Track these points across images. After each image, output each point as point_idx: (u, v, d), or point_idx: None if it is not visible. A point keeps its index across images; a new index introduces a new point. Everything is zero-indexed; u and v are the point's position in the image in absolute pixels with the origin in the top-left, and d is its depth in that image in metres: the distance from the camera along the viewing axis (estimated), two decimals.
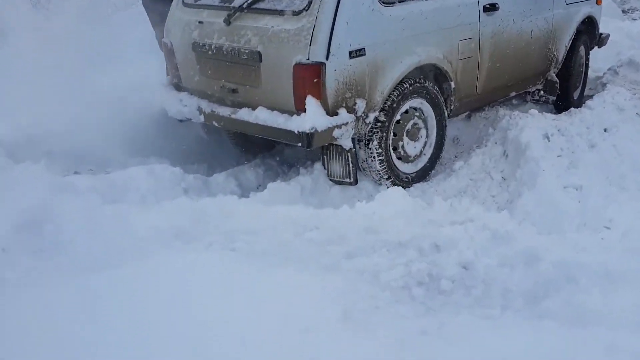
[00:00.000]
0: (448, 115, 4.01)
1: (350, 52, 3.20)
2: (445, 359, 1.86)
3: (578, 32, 5.14)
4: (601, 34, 5.65)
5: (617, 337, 1.89)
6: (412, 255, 2.46)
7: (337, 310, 2.01)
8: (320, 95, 3.18)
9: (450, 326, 2.04)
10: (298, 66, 3.17)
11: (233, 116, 3.53)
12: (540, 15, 4.51)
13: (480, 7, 3.92)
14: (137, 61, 4.61)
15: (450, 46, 3.76)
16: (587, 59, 5.49)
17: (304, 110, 3.19)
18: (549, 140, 3.73)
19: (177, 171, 3.64)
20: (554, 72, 4.95)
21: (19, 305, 2.02)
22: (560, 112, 4.46)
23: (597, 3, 5.36)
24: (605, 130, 3.83)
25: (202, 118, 3.74)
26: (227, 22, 3.48)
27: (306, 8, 3.17)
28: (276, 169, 4.20)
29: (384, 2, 3.34)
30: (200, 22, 3.69)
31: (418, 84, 3.61)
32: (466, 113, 4.50)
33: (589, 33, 5.38)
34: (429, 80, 3.74)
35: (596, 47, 5.68)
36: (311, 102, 3.18)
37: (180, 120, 3.96)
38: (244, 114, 3.48)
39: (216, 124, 3.70)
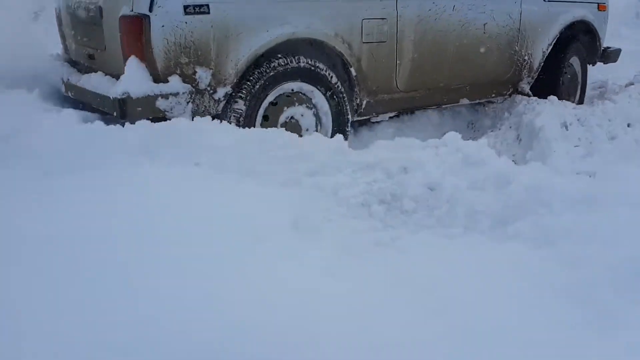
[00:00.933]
0: (357, 111, 3.37)
1: (186, 7, 2.67)
2: (396, 265, 1.76)
3: (568, 39, 4.35)
4: (608, 47, 4.79)
5: (585, 250, 1.75)
6: (378, 176, 2.35)
7: (287, 219, 1.94)
8: (144, 55, 2.66)
9: (406, 240, 1.97)
10: (122, 19, 2.69)
11: (78, 84, 3.09)
12: (498, 7, 3.78)
13: None
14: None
15: (349, 23, 3.14)
16: (584, 75, 4.64)
17: (124, 72, 2.69)
18: (567, 129, 3.46)
19: None
20: (527, 83, 4.16)
21: None
22: None
23: (598, 9, 4.53)
24: (628, 125, 3.53)
25: (63, 89, 3.32)
26: None
27: None
28: None
29: None
30: None
31: (299, 63, 3.02)
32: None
33: (586, 43, 4.56)
34: (326, 62, 3.14)
35: (601, 63, 4.83)
36: (132, 64, 2.67)
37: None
38: (84, 81, 3.04)
39: (70, 94, 3.26)
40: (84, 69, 3.29)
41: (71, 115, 2.79)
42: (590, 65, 4.67)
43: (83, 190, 1.97)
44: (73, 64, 3.56)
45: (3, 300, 1.40)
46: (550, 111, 3.61)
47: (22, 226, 1.72)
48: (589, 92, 4.83)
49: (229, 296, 1.48)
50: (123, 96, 2.61)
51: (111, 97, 2.66)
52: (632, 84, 4.61)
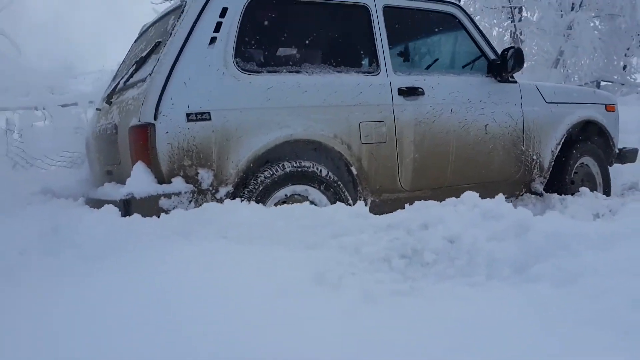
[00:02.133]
0: None
1: (189, 115, 2.95)
2: (416, 311, 1.80)
3: (579, 140, 4.44)
4: (624, 147, 4.83)
5: (608, 283, 1.78)
6: (399, 234, 2.42)
7: (310, 275, 2.02)
8: (149, 159, 2.91)
9: (426, 290, 2.00)
10: (130, 129, 2.99)
11: (94, 196, 3.36)
12: (498, 108, 3.94)
13: (393, 89, 3.52)
14: None
15: (347, 126, 3.35)
16: (606, 175, 4.64)
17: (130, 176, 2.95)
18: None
19: None
20: (540, 183, 4.20)
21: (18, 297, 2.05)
22: None
23: (606, 109, 4.64)
24: None
25: (84, 203, 3.59)
26: (109, 102, 3.48)
27: (150, 73, 3.06)
28: None
29: (244, 69, 3.11)
30: (98, 110, 3.74)
31: (300, 166, 3.18)
32: None
33: (598, 143, 4.62)
34: (326, 161, 3.33)
35: (618, 164, 4.83)
36: (138, 167, 2.89)
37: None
38: (99, 193, 3.31)
39: (90, 207, 3.51)
40: (99, 185, 3.57)
41: (111, 210, 2.96)
42: (607, 165, 4.68)
43: (123, 269, 2.13)
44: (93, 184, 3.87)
45: None
46: (580, 203, 3.79)
47: (66, 307, 1.85)
48: (617, 193, 4.79)
49: (252, 346, 1.56)
50: (127, 197, 2.81)
51: (118, 200, 2.89)
52: None
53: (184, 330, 1.62)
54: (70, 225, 2.64)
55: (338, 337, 1.61)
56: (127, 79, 3.35)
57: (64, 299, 1.90)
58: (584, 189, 4.01)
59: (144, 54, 3.29)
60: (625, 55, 14.98)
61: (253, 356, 1.50)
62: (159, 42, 3.19)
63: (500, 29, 15.19)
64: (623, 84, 14.52)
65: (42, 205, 3.59)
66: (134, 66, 3.32)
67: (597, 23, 14.85)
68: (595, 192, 4.26)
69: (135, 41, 4.04)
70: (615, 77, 14.88)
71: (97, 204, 3.23)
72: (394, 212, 2.64)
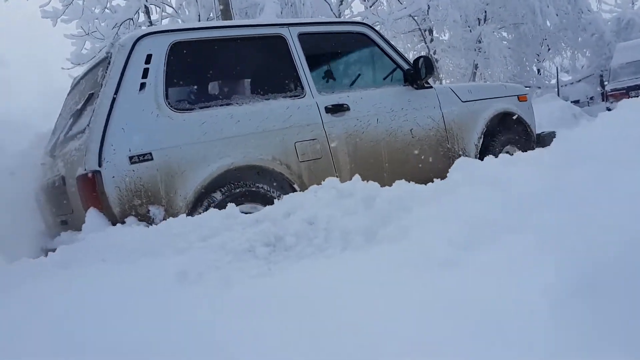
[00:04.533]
0: None
1: (131, 158, 3.11)
2: (266, 287, 1.96)
3: (499, 130, 4.79)
4: (542, 132, 5.22)
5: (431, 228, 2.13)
6: (265, 226, 2.53)
7: (173, 274, 2.12)
8: (100, 204, 3.04)
9: (285, 270, 2.16)
10: (78, 178, 3.12)
11: (50, 246, 3.44)
12: (420, 113, 4.25)
13: (320, 108, 3.78)
14: None
15: (283, 147, 3.57)
16: None
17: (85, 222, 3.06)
18: None
19: None
20: None
21: None
22: None
23: (519, 99, 5.04)
24: None
25: (43, 255, 3.68)
26: (52, 155, 3.59)
27: (88, 124, 3.21)
28: None
29: (176, 108, 3.30)
30: (43, 164, 3.83)
31: (247, 188, 3.40)
32: None
33: (517, 131, 4.99)
34: (270, 182, 3.52)
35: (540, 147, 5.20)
36: (91, 213, 3.02)
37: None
38: (55, 242, 3.39)
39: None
40: (54, 237, 3.65)
41: None
42: (530, 150, 5.04)
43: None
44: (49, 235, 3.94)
45: None
46: None
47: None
48: None
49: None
50: None
51: None
52: None
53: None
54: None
55: (198, 323, 1.72)
56: (67, 132, 3.47)
57: None
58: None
59: (78, 107, 3.43)
60: (537, 60, 15.98)
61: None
62: (92, 94, 3.34)
63: (415, 52, 15.95)
64: (540, 87, 15.44)
65: None
66: (71, 119, 3.44)
67: (505, 34, 15.83)
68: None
69: (68, 94, 4.16)
70: (532, 81, 15.81)
71: None
72: (263, 209, 2.80)
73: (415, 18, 15.28)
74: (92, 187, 3.03)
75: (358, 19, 12.25)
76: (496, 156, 4.65)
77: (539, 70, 16.23)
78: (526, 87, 15.99)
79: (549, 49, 16.01)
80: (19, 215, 4.73)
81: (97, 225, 3.00)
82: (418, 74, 4.19)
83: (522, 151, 4.89)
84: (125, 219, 3.06)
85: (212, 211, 2.80)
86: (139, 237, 2.67)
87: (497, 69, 14.88)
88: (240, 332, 1.66)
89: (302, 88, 3.77)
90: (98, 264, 2.48)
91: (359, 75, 4.28)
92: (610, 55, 14.87)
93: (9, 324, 1.90)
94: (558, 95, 14.49)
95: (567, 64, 16.67)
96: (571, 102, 14.41)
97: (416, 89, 4.28)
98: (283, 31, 3.80)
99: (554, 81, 15.60)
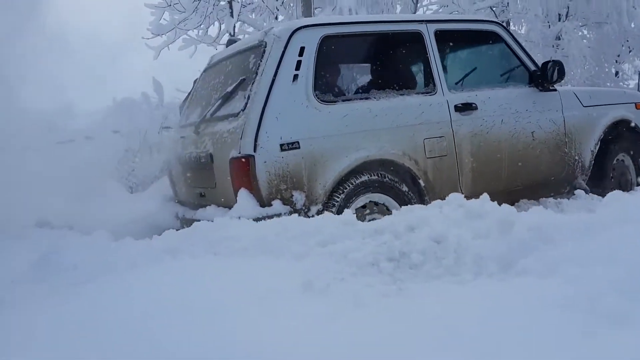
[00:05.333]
0: None
1: (282, 145, 3.28)
2: (403, 311, 1.84)
3: (615, 139, 4.74)
4: None
5: (586, 270, 1.86)
6: (387, 238, 2.45)
7: (299, 282, 2.05)
8: (251, 186, 3.24)
9: (415, 291, 2.03)
10: (232, 160, 3.31)
11: (193, 217, 3.67)
12: (542, 116, 4.26)
13: (450, 107, 3.84)
14: None
15: (413, 143, 3.67)
16: (638, 168, 4.94)
17: (236, 202, 3.24)
18: None
19: None
20: (583, 180, 4.50)
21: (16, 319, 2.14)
22: None
23: (636, 107, 4.96)
24: None
25: (178, 224, 3.91)
26: (197, 132, 3.80)
27: (243, 109, 3.38)
28: None
29: (323, 100, 3.45)
30: (182, 137, 4.05)
31: (375, 178, 3.52)
32: None
33: (631, 139, 4.92)
34: (396, 175, 3.62)
35: None
36: (242, 194, 3.24)
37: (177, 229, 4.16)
38: (199, 214, 3.62)
39: (186, 227, 3.83)
40: (193, 206, 3.87)
41: (102, 235, 3.20)
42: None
43: (108, 289, 2.23)
44: (181, 203, 4.18)
45: None
46: (575, 206, 3.95)
47: (48, 329, 1.94)
48: None
49: (240, 348, 1.62)
50: None
51: None
52: None
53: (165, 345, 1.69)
54: (59, 252, 2.78)
55: (331, 339, 1.64)
56: (214, 112, 3.65)
57: (47, 321, 1.98)
58: (579, 192, 4.21)
59: (228, 89, 3.58)
60: (617, 62, 15.43)
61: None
62: (244, 79, 3.49)
63: None
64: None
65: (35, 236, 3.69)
66: (220, 100, 3.61)
67: (585, 32, 15.32)
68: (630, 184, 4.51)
69: (204, 71, 4.35)
70: (608, 84, 15.28)
71: None
72: (381, 219, 2.73)
73: (494, 9, 14.93)
74: (245, 170, 3.21)
75: (434, 9, 12.12)
76: (611, 163, 4.64)
77: (617, 73, 15.67)
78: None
79: (630, 51, 15.41)
80: (157, 181, 5.03)
81: (248, 206, 3.18)
82: (546, 76, 4.19)
83: (633, 160, 4.83)
84: (272, 202, 3.23)
85: (329, 216, 2.84)
86: (252, 233, 2.68)
87: (575, 68, 14.42)
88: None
89: (434, 85, 3.84)
90: (209, 256, 2.52)
91: (487, 73, 4.31)
92: None
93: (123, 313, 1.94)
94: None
95: None
96: None
97: (541, 91, 4.27)
98: (421, 28, 3.87)
99: (632, 84, 15.07)
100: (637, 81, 14.83)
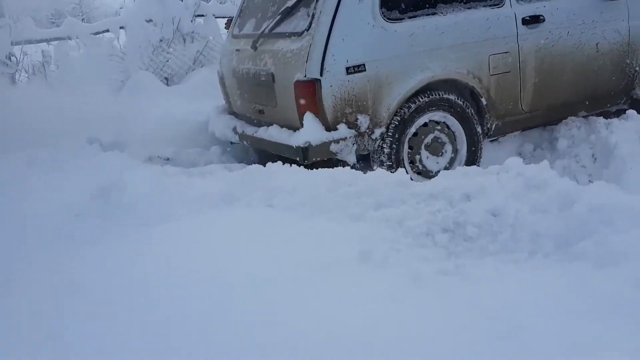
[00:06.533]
0: (487, 133, 3.79)
1: (348, 68, 3.24)
2: (461, 294, 1.82)
3: None
4: None
5: None
6: (441, 205, 2.42)
7: (355, 251, 2.06)
8: (317, 110, 3.25)
9: (471, 268, 2.02)
10: (297, 83, 3.29)
11: (255, 135, 3.74)
12: (608, 26, 4.07)
13: (517, 20, 3.69)
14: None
15: (478, 61, 3.58)
16: None
17: (303, 126, 3.28)
18: None
19: None
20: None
21: (82, 259, 2.30)
22: None
23: None
24: None
25: (236, 138, 4.00)
26: (254, 47, 3.74)
27: (307, 28, 3.30)
28: None
29: (388, 18, 3.33)
30: (237, 50, 4.00)
31: (438, 97, 3.50)
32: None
33: None
34: (458, 93, 3.59)
35: None
36: (308, 118, 3.27)
37: (231, 143, 4.26)
38: (262, 132, 3.67)
39: (245, 143, 3.94)
40: (251, 122, 3.93)
41: (154, 169, 3.30)
42: None
43: (173, 238, 2.34)
44: (235, 115, 4.24)
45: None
46: (627, 127, 3.74)
47: (123, 272, 2.07)
48: None
49: (294, 322, 1.67)
50: (305, 145, 3.21)
51: (294, 146, 3.25)
52: None
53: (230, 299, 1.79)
54: (119, 186, 2.84)
55: (389, 319, 1.66)
56: (272, 28, 3.57)
57: (121, 266, 2.13)
58: (631, 112, 4.01)
59: (288, 5, 3.48)
60: None
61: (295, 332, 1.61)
62: None
63: None
64: None
65: (93, 159, 3.69)
66: (279, 16, 3.52)
67: None
68: None
69: None
70: None
71: (260, 143, 3.66)
72: (436, 180, 2.66)
73: None
74: (311, 93, 3.22)
75: None
76: None
77: None
78: None
79: None
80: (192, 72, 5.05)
81: (315, 130, 3.24)
82: None
83: None
84: (337, 126, 3.27)
85: (383, 174, 2.79)
86: (305, 185, 2.69)
87: None
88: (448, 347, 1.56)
89: None
90: (265, 209, 2.57)
91: None
92: None
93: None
94: None
95: None
96: None
97: None
98: None
99: None
100: None
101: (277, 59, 3.48)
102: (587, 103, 4.19)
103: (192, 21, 6.87)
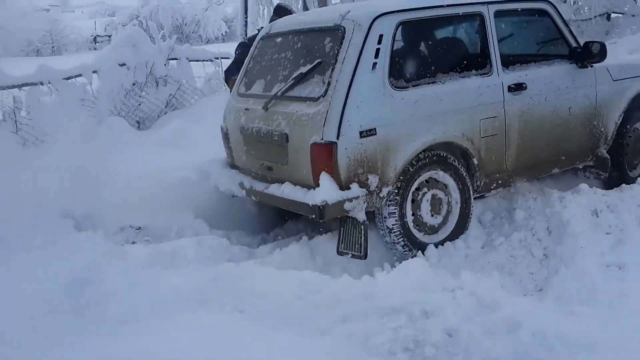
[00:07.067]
0: (477, 189, 4.12)
1: (361, 132, 3.50)
2: None
3: (635, 109, 5.05)
4: None
5: None
6: (402, 321, 2.62)
7: None
8: (332, 171, 3.49)
9: None
10: (314, 145, 3.52)
11: (266, 191, 3.92)
12: (579, 92, 4.53)
13: (504, 88, 4.07)
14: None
15: (471, 124, 3.93)
16: None
17: (319, 185, 3.50)
18: (597, 217, 3.75)
19: (224, 242, 4.02)
20: (605, 149, 4.86)
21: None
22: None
23: None
24: None
25: (243, 193, 4.17)
26: (265, 108, 3.95)
27: (323, 95, 3.55)
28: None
29: (396, 87, 3.64)
30: (246, 109, 4.19)
31: (436, 157, 3.82)
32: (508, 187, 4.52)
33: None
34: (453, 154, 3.91)
35: None
36: (324, 178, 3.49)
37: (233, 196, 4.41)
38: (273, 189, 3.87)
39: (254, 198, 4.12)
40: (258, 177, 4.11)
41: (134, 258, 3.41)
42: None
43: (145, 339, 2.46)
44: (236, 168, 4.41)
45: None
46: (579, 201, 3.91)
47: None
48: None
49: None
50: (322, 204, 3.43)
51: (311, 204, 3.47)
52: None
53: None
54: (93, 280, 2.93)
55: None
56: (285, 90, 3.80)
57: None
58: (583, 186, 4.18)
59: (303, 70, 3.72)
60: None
61: None
62: (321, 62, 3.63)
63: None
64: (634, 15, 14.84)
65: (65, 241, 3.72)
66: (292, 80, 3.76)
67: None
68: (594, 188, 4.44)
69: (262, 38, 4.43)
70: (626, 8, 15.18)
71: (271, 199, 3.87)
72: (398, 293, 2.84)
73: None
74: (328, 155, 3.46)
75: None
76: (628, 132, 4.98)
77: None
78: (619, 13, 15.42)
79: None
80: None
81: (330, 190, 3.47)
82: (588, 55, 4.39)
83: None
84: (350, 185, 3.52)
85: (348, 282, 3.03)
86: (277, 290, 2.89)
87: None
88: None
89: (491, 66, 4.05)
90: (235, 314, 2.74)
91: (535, 51, 4.50)
92: None
93: None
94: None
95: None
96: None
97: (579, 67, 4.51)
98: (483, 9, 4.00)
99: None
100: None
101: (292, 120, 3.70)
102: (560, 161, 4.62)
103: (165, 65, 6.98)
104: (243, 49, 5.74)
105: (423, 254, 3.80)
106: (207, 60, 8.30)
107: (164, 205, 4.46)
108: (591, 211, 3.81)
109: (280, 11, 5.73)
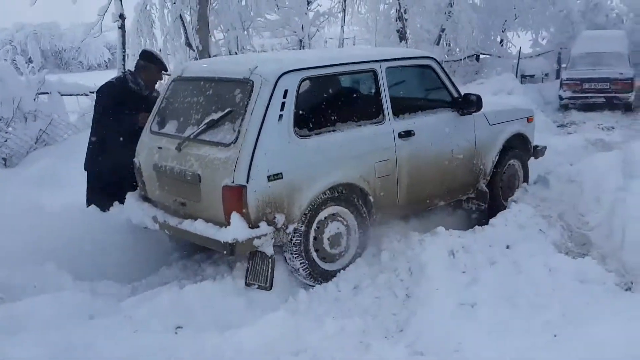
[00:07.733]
0: (372, 221, 4.62)
1: (269, 177, 3.91)
2: None
3: (509, 148, 5.80)
4: (537, 146, 6.29)
5: None
6: None
7: None
8: (242, 211, 3.86)
9: None
10: (225, 188, 3.88)
11: (179, 226, 4.22)
12: (461, 136, 5.19)
13: (395, 134, 4.64)
14: None
15: (367, 167, 4.45)
16: (525, 170, 6.10)
17: (230, 224, 3.86)
18: (454, 257, 4.07)
19: (86, 298, 3.81)
20: (484, 183, 5.56)
21: None
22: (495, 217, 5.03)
23: (527, 121, 6.06)
24: (507, 247, 4.29)
25: (157, 226, 4.44)
26: (179, 149, 4.26)
27: (234, 141, 3.92)
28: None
29: (300, 135, 4.09)
30: (159, 147, 4.48)
31: (336, 196, 4.30)
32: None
33: (521, 147, 6.02)
34: (352, 193, 4.39)
35: (533, 159, 6.30)
36: (235, 217, 3.86)
37: (145, 227, 4.62)
38: (187, 225, 4.17)
39: (167, 232, 4.40)
40: (170, 211, 4.40)
41: (121, 326, 3.42)
42: (527, 162, 6.12)
43: None
44: (148, 200, 4.68)
45: None
46: (436, 242, 4.23)
47: None
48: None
49: None
50: (233, 241, 3.78)
51: (222, 241, 3.81)
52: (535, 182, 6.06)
53: None
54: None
55: None
56: (197, 134, 4.14)
57: None
58: (440, 229, 4.52)
59: (214, 117, 4.08)
60: (503, 30, 16.85)
61: None
62: (231, 111, 4.02)
63: (386, 5, 16.18)
64: (500, 56, 16.45)
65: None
66: (204, 126, 4.11)
67: (477, 0, 16.51)
68: (450, 230, 4.80)
69: (175, 80, 4.72)
70: (493, 50, 16.77)
71: (185, 235, 4.18)
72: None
73: None
74: (238, 197, 3.84)
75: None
76: (503, 168, 5.72)
77: (501, 41, 17.19)
78: (487, 54, 16.93)
79: (515, 18, 16.85)
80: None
81: (240, 228, 3.84)
82: (468, 105, 5.07)
83: (522, 163, 6.00)
84: (259, 224, 3.90)
85: (198, 343, 3.31)
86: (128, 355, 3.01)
87: (463, 36, 15.59)
88: None
89: (384, 115, 4.60)
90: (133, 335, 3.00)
91: (421, 102, 5.13)
92: (573, 34, 15.84)
93: None
94: (517, 67, 15.61)
95: (531, 37, 17.74)
96: (527, 76, 15.64)
97: (460, 115, 5.17)
98: (376, 66, 4.56)
99: (515, 52, 16.63)
100: (518, 49, 16.34)
101: (204, 163, 4.04)
102: (445, 195, 5.25)
103: (35, 99, 6.77)
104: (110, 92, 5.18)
105: (326, 280, 4.22)
106: (81, 95, 8.19)
107: (24, 255, 4.17)
108: (448, 252, 4.09)
109: (147, 56, 5.36)
